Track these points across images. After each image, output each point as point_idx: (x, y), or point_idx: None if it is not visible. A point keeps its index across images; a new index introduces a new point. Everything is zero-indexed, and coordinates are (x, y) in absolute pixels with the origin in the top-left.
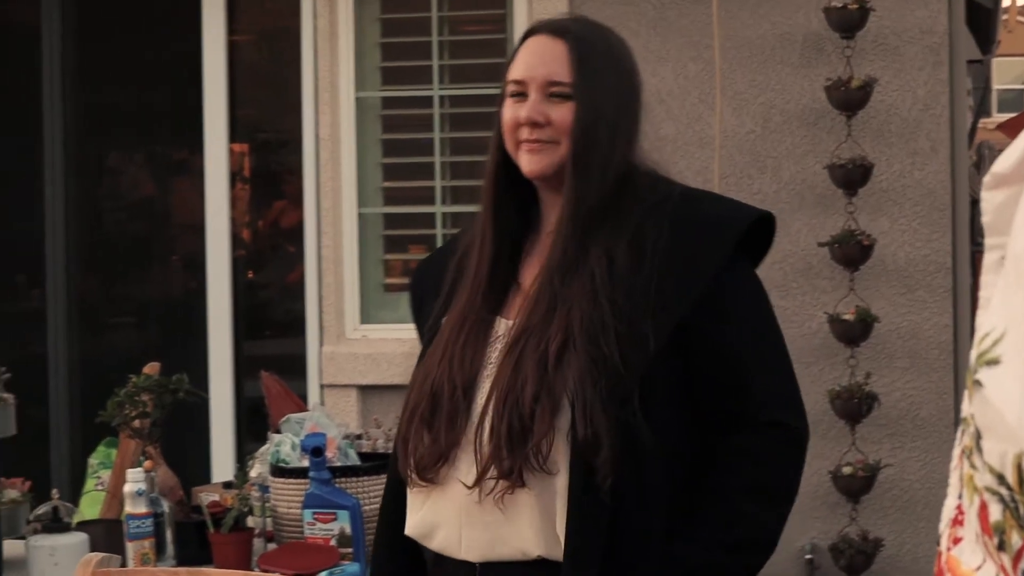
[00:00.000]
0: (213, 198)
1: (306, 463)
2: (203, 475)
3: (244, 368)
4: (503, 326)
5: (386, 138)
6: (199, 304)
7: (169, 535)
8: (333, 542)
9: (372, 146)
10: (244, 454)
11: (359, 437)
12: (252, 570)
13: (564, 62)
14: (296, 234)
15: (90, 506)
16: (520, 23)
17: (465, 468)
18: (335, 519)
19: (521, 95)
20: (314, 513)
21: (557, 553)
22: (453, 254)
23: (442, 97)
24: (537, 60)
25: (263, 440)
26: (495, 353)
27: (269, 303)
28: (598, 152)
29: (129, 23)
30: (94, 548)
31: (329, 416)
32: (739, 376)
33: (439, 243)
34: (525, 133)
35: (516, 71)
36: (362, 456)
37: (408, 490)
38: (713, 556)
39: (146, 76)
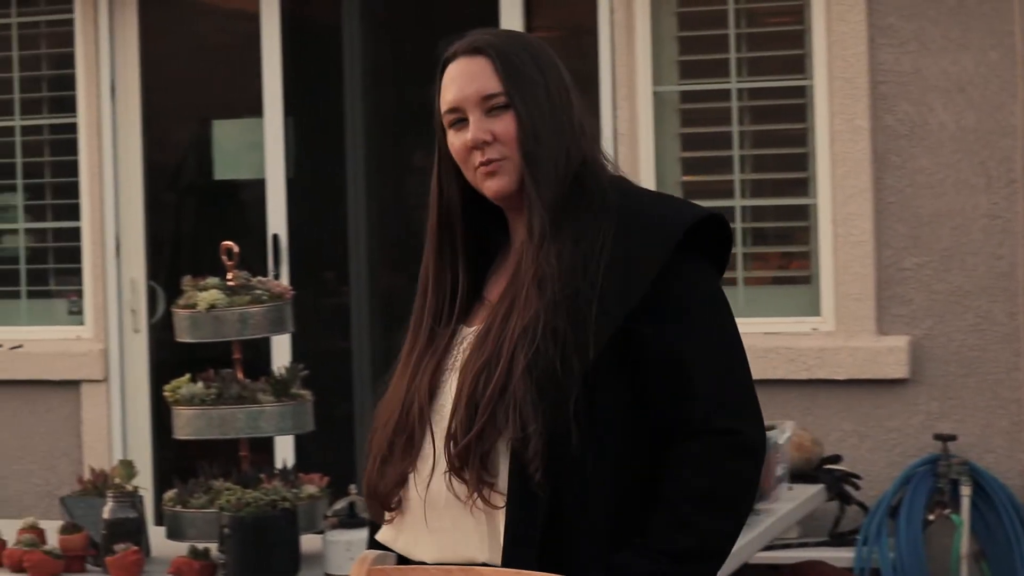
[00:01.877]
0: None
1: None
2: None
3: None
4: (468, 334)
5: (684, 132)
6: None
7: None
8: None
9: (670, 141)
10: None
11: None
12: None
13: (490, 74)
14: None
15: None
16: (818, 13)
17: (423, 473)
18: None
19: (461, 121)
20: None
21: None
22: None
23: (740, 90)
24: (464, 81)
25: None
26: (457, 361)
27: None
28: (548, 151)
29: (428, 21)
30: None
31: None
32: (684, 381)
33: (739, 237)
34: (478, 156)
35: (447, 99)
36: None
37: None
38: (658, 565)
39: None
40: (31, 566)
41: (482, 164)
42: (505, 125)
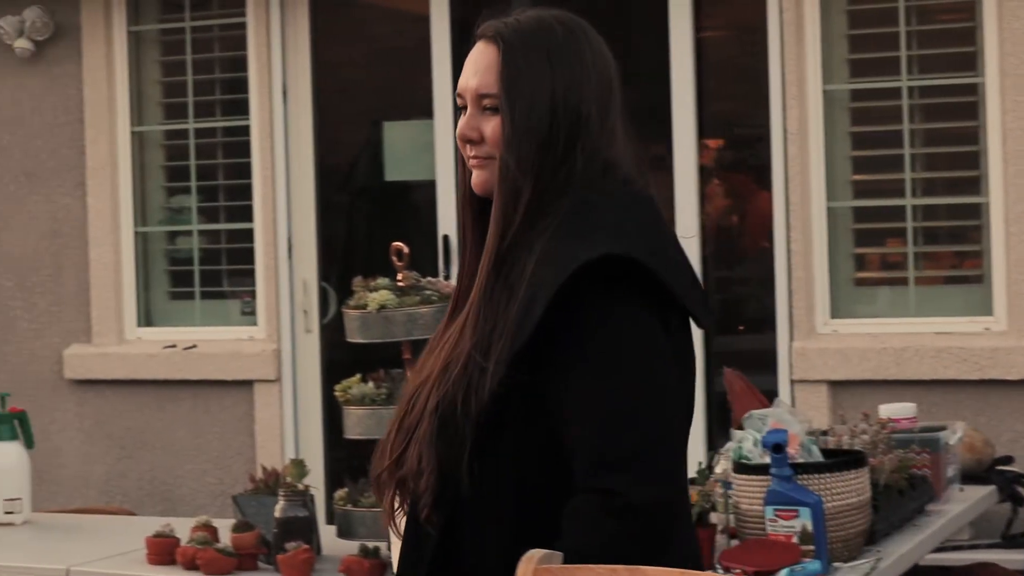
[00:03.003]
0: (682, 194)
1: (768, 460)
2: None
3: (714, 364)
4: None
5: (855, 131)
6: None
7: None
8: (795, 539)
9: (840, 139)
10: (714, 450)
11: (824, 433)
12: (714, 568)
13: (494, 72)
14: (766, 229)
15: None
16: (990, 10)
17: None
18: (797, 516)
19: (464, 108)
20: (776, 510)
21: None
22: None
23: (911, 88)
24: (471, 71)
25: None
26: None
27: (739, 299)
28: (525, 166)
29: (596, 22)
30: None
31: (792, 412)
32: (568, 431)
33: (910, 236)
34: (468, 150)
35: (460, 81)
36: (827, 453)
37: None
38: None
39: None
40: (204, 564)
41: (470, 157)
42: (494, 128)
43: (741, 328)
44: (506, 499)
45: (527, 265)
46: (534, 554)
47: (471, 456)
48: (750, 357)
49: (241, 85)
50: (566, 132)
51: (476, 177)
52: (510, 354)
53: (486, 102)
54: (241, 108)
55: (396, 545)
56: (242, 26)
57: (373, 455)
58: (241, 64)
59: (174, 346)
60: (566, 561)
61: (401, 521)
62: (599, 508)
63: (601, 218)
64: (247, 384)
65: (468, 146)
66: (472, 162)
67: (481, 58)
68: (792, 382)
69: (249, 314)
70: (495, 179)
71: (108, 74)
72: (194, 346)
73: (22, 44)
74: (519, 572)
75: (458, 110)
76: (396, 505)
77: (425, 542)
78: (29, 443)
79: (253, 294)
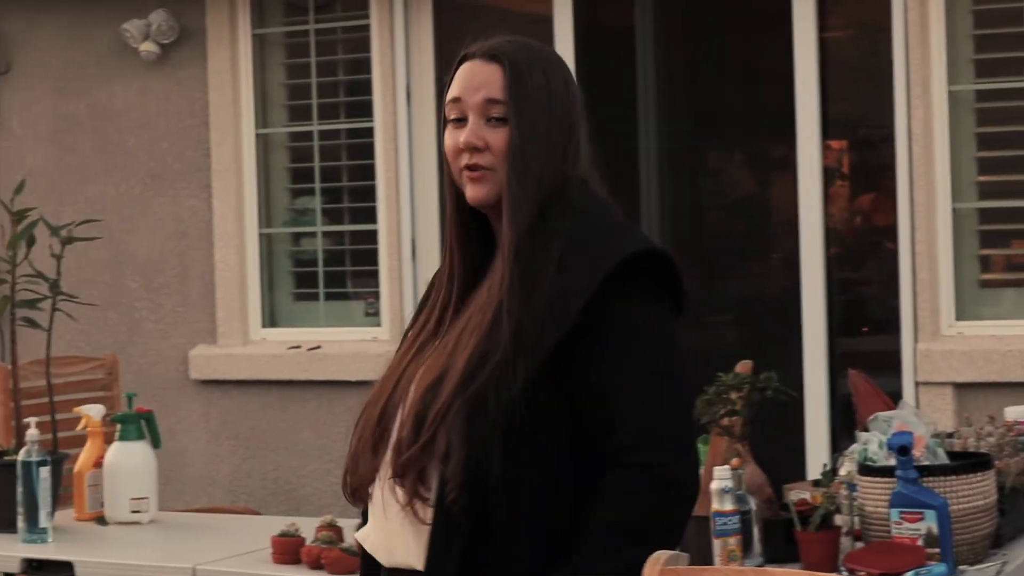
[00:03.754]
0: (806, 195)
1: (893, 462)
2: (798, 473)
3: (838, 365)
4: (449, 333)
5: (980, 132)
6: (794, 301)
7: (756, 532)
8: (920, 542)
9: (966, 140)
10: (838, 451)
11: (949, 436)
12: (838, 570)
13: (499, 85)
14: (890, 230)
15: None
16: None
17: (383, 474)
18: (922, 518)
19: (460, 120)
20: (901, 512)
21: None
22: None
23: None
24: (473, 83)
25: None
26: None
27: (863, 300)
28: (532, 176)
29: (721, 23)
30: (684, 545)
31: (917, 414)
32: (606, 412)
33: None
34: (466, 159)
35: (453, 91)
36: (953, 455)
37: None
38: None
39: (738, 75)
40: (329, 563)
41: (468, 167)
42: (499, 138)
43: (865, 329)
44: (538, 481)
45: (547, 263)
46: (660, 555)
47: (502, 440)
48: (874, 359)
49: (365, 87)
50: (561, 144)
51: (474, 190)
52: (553, 341)
53: (493, 112)
54: (365, 110)
55: (383, 529)
56: (366, 28)
57: (354, 439)
58: (365, 66)
59: (298, 347)
60: (606, 533)
61: (424, 510)
62: (642, 481)
63: (615, 218)
64: (371, 385)
65: (468, 155)
66: (468, 173)
67: (482, 73)
68: (916, 384)
69: (373, 315)
70: (498, 189)
71: (233, 77)
72: (318, 347)
73: (148, 47)
74: (645, 573)
75: (585, 110)
76: (418, 493)
77: (455, 527)
78: (156, 443)
79: (377, 295)
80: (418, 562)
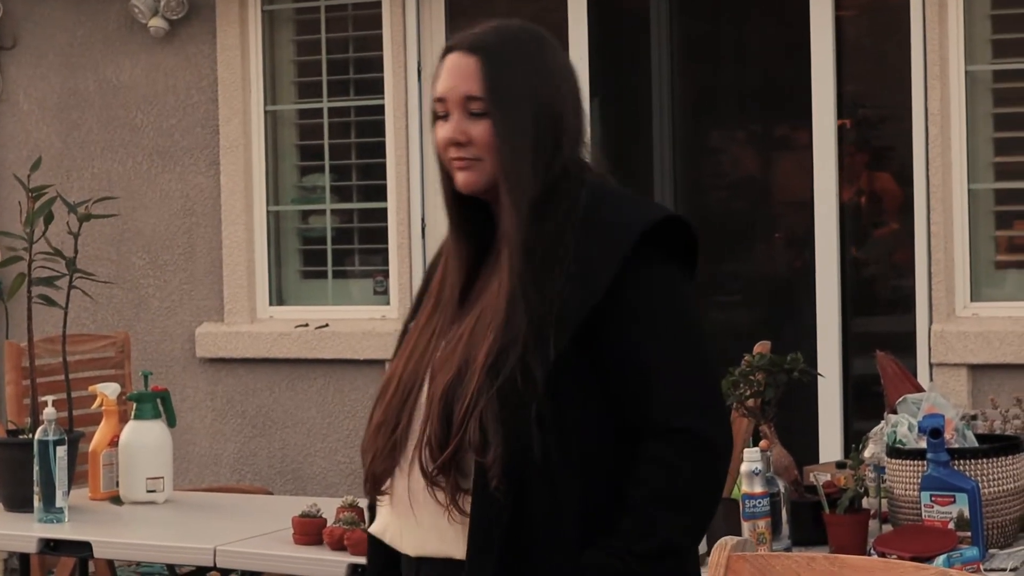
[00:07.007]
0: (821, 175)
1: (922, 444)
2: (811, 454)
3: (852, 346)
4: (463, 321)
5: (997, 112)
6: (805, 282)
7: (784, 515)
8: (951, 525)
9: (983, 121)
10: (851, 433)
11: (974, 418)
12: (868, 553)
13: (477, 78)
14: (905, 210)
15: None
16: None
17: (406, 468)
18: (953, 502)
19: (445, 115)
20: (932, 495)
21: None
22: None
23: None
24: (452, 79)
25: (871, 419)
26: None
27: (877, 280)
28: (523, 163)
29: (734, 2)
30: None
31: (946, 397)
32: (643, 383)
33: None
34: (452, 152)
35: (436, 90)
36: (980, 438)
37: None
38: (626, 565)
39: (752, 54)
40: (351, 544)
41: (455, 159)
42: (482, 130)
43: (876, 310)
44: (575, 458)
45: (557, 244)
46: (727, 541)
47: (537, 423)
48: (889, 339)
49: (375, 64)
50: (551, 130)
51: (463, 177)
52: (579, 319)
53: (473, 106)
54: (375, 87)
55: (410, 521)
56: (377, 5)
57: (370, 439)
58: (375, 43)
59: (306, 325)
60: (650, 505)
61: (464, 500)
62: (684, 446)
63: (621, 190)
64: (379, 364)
65: (453, 148)
66: (457, 164)
67: (461, 67)
68: (931, 365)
69: (381, 293)
70: (487, 177)
71: (242, 53)
72: (326, 325)
73: (157, 23)
74: (712, 560)
75: (598, 90)
76: (458, 487)
77: (496, 513)
78: (171, 421)
79: (386, 273)
80: (457, 551)
